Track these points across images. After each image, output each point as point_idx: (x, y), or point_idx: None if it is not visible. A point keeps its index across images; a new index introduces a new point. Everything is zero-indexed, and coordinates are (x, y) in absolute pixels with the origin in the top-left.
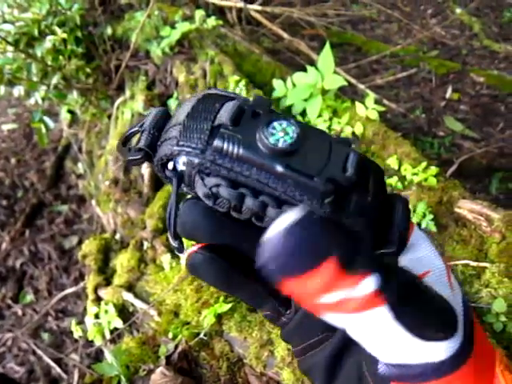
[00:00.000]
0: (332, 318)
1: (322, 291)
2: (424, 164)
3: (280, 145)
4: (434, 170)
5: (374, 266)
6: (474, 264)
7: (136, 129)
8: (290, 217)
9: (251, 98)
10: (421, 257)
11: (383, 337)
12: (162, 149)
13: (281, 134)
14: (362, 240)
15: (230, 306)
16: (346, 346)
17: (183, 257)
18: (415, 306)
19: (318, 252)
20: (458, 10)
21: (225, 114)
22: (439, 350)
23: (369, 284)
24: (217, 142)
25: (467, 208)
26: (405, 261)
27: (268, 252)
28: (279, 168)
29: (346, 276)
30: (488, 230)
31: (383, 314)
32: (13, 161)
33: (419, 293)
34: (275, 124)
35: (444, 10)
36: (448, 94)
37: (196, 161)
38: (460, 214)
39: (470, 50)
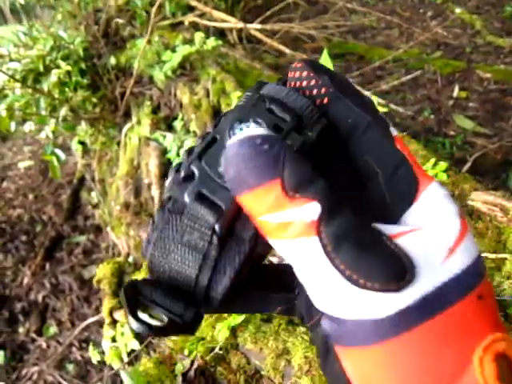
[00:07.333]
0: (276, 245)
1: (268, 209)
2: (433, 160)
3: None
4: (443, 165)
5: (321, 195)
6: (493, 256)
7: None
8: (250, 131)
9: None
10: (423, 214)
11: (318, 275)
12: None
13: None
14: (317, 170)
15: (243, 317)
16: None
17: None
18: (354, 247)
19: (266, 169)
20: (458, 10)
21: None
22: (377, 304)
23: (310, 211)
24: None
25: (480, 200)
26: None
27: (224, 161)
28: None
29: (290, 198)
30: (504, 221)
31: (312, 245)
32: (30, 197)
33: (364, 235)
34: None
35: (444, 11)
36: (455, 93)
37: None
38: (473, 206)
39: (474, 48)
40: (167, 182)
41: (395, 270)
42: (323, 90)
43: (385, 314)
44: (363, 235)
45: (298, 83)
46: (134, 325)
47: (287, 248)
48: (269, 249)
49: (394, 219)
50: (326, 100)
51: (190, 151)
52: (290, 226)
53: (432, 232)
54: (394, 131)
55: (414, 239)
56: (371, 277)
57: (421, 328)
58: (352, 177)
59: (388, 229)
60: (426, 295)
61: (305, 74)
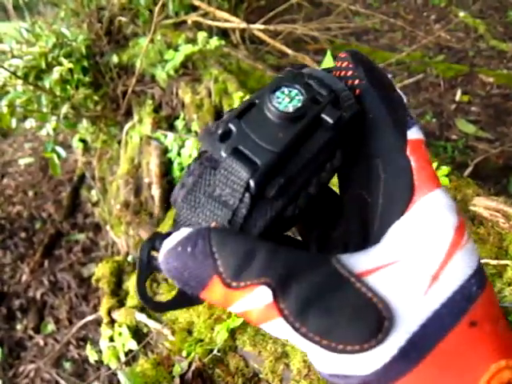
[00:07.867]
0: (260, 327)
1: (225, 304)
2: (435, 165)
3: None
4: (445, 169)
5: (266, 272)
6: (495, 262)
7: None
8: (168, 243)
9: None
10: (411, 227)
11: (300, 346)
12: None
13: (286, 100)
14: (261, 245)
15: (242, 319)
16: None
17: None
18: (321, 313)
19: (201, 272)
20: (462, 14)
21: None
22: (360, 363)
23: (262, 295)
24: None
25: (482, 205)
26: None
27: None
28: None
29: (235, 288)
30: (506, 227)
31: (282, 325)
32: (30, 194)
33: (329, 290)
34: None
35: (447, 15)
36: (458, 97)
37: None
38: (475, 212)
39: (477, 52)
40: (201, 137)
41: (371, 324)
42: (357, 82)
43: (370, 370)
44: (327, 291)
45: (338, 72)
46: (141, 300)
47: (265, 329)
48: (299, 218)
49: (383, 230)
50: (357, 91)
51: (228, 111)
52: (253, 314)
53: (410, 260)
54: (413, 134)
55: (388, 275)
56: (348, 340)
57: (411, 374)
58: (362, 174)
59: (359, 263)
60: (410, 338)
61: (345, 64)
